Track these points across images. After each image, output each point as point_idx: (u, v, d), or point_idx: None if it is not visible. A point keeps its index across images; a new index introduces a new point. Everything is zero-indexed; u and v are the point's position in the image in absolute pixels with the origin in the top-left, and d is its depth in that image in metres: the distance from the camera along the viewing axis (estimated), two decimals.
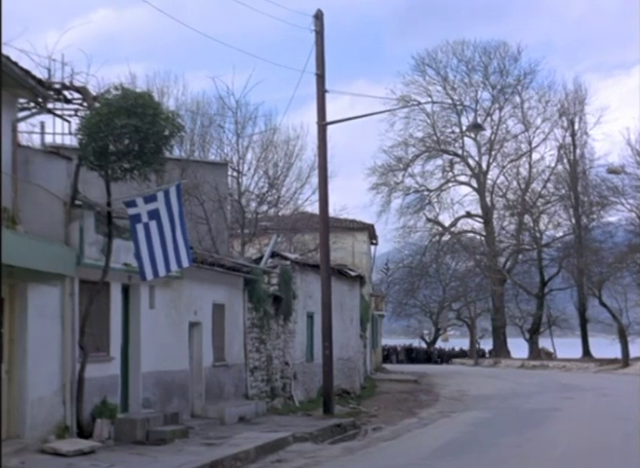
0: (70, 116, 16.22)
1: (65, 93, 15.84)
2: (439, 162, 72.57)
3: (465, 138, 71.92)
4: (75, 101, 16.00)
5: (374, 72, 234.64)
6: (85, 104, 15.79)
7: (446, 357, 74.88)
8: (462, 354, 75.81)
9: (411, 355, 73.43)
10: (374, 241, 51.70)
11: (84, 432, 15.15)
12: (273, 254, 26.71)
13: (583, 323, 67.28)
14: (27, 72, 14.40)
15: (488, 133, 70.09)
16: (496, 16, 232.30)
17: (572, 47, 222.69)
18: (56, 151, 16.46)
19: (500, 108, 71.67)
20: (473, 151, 72.68)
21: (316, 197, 30.48)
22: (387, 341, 77.78)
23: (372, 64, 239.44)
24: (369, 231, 49.97)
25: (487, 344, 73.50)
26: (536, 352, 67.24)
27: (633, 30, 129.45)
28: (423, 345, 79.39)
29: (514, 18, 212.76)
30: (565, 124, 68.93)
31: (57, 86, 15.63)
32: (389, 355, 72.09)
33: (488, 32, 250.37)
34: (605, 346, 61.52)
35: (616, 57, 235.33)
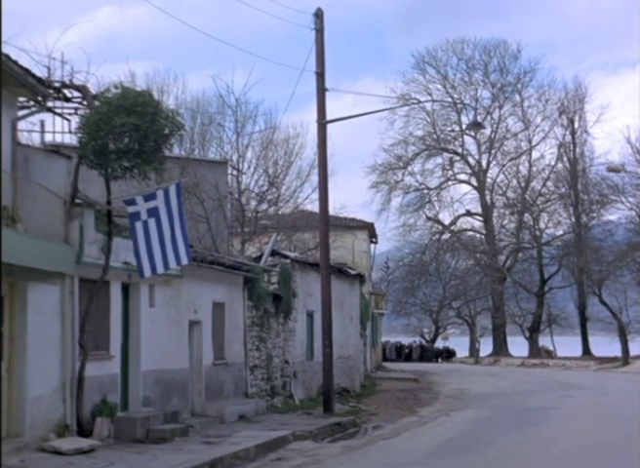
0: (70, 115, 16.24)
1: (65, 91, 15.85)
2: (439, 160, 72.72)
3: (465, 137, 72.02)
4: (75, 100, 16.02)
5: (380, 70, 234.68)
6: (85, 103, 15.80)
7: (444, 355, 74.56)
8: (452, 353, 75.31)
9: (423, 353, 73.18)
10: (374, 239, 51.72)
11: (84, 430, 15.15)
12: (273, 253, 26.72)
13: (583, 321, 67.32)
14: (27, 71, 14.40)
15: (488, 131, 70.17)
16: (498, 14, 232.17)
17: (575, 45, 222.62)
18: (55, 150, 16.46)
19: (500, 107, 71.73)
20: (473, 150, 72.80)
21: (316, 195, 30.49)
22: (395, 339, 77.54)
23: (378, 62, 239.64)
24: (369, 230, 49.97)
25: (487, 343, 73.50)
26: (536, 350, 67.25)
27: (636, 28, 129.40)
28: (435, 344, 78.95)
29: (517, 16, 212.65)
30: (565, 122, 69.04)
31: (56, 84, 15.64)
32: (400, 352, 71.79)
33: (491, 30, 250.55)
34: (605, 344, 61.59)
35: (621, 54, 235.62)
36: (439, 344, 79.44)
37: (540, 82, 74.71)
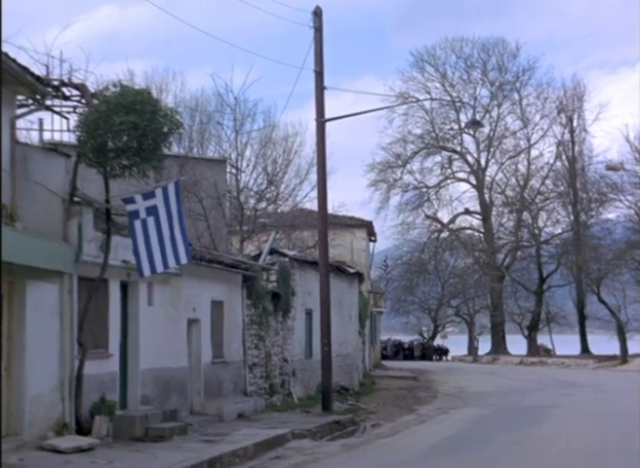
0: (69, 113, 16.22)
1: (64, 89, 15.84)
2: (438, 159, 72.65)
3: (464, 135, 71.93)
4: (74, 98, 16.01)
5: (379, 69, 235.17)
6: (83, 101, 15.79)
7: (438, 353, 74.38)
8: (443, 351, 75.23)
9: (424, 351, 73.08)
10: (372, 238, 51.70)
11: (83, 429, 15.15)
12: (272, 251, 26.71)
13: (582, 319, 67.37)
14: (26, 69, 14.39)
15: (486, 129, 70.07)
16: (498, 12, 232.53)
17: (574, 43, 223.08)
18: (54, 148, 16.45)
19: (499, 105, 71.70)
20: (472, 148, 72.75)
21: (315, 194, 30.54)
22: (396, 337, 77.59)
23: (377, 61, 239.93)
24: (367, 228, 49.96)
25: (486, 341, 73.49)
26: (534, 349, 67.28)
27: (636, 27, 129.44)
28: (435, 343, 78.81)
29: (516, 14, 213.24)
30: (564, 121, 69.05)
31: (55, 83, 15.64)
32: (398, 351, 71.70)
33: (490, 29, 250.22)
34: (603, 343, 61.63)
35: (620, 53, 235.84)
36: (434, 343, 79.37)
37: (539, 80, 74.73)
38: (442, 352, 74.18)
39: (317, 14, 24.09)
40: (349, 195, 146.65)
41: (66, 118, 16.32)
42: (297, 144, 40.40)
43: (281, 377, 25.68)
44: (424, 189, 71.69)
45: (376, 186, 69.46)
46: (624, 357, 52.81)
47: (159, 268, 15.39)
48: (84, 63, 16.32)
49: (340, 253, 40.99)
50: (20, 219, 14.35)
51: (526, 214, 69.29)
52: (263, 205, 38.70)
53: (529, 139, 70.79)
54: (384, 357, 65.08)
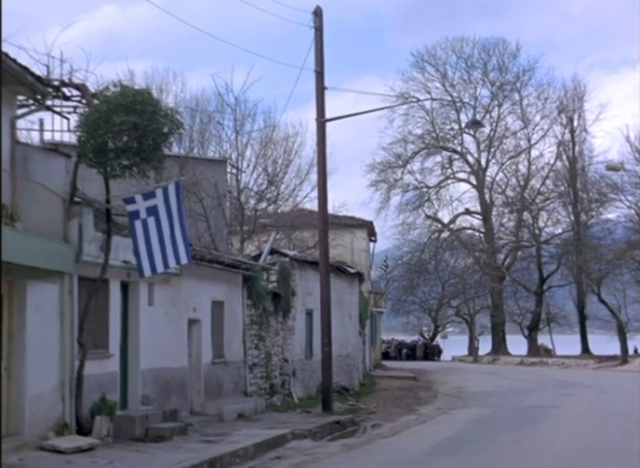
0: (69, 113, 16.22)
1: (64, 90, 15.84)
2: (438, 159, 72.64)
3: (464, 135, 71.92)
4: (74, 98, 16.01)
5: (380, 69, 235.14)
6: (84, 101, 15.79)
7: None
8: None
9: (427, 351, 73.02)
10: (373, 238, 51.68)
11: (83, 429, 15.15)
12: (272, 251, 26.71)
13: (582, 320, 67.38)
14: (26, 69, 14.39)
15: (487, 129, 70.07)
16: (498, 12, 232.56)
17: (575, 43, 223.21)
18: (54, 148, 16.46)
19: (499, 105, 71.70)
20: (472, 148, 72.74)
21: (315, 194, 30.54)
22: (400, 338, 77.52)
23: (378, 61, 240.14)
24: (368, 228, 49.95)
25: (486, 341, 73.48)
26: (535, 349, 67.29)
27: (637, 26, 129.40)
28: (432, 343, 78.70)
29: (516, 14, 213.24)
30: (564, 121, 69.06)
31: (55, 83, 15.63)
32: (400, 351, 71.66)
33: (490, 29, 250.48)
34: (604, 343, 61.64)
35: (621, 53, 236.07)
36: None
37: (540, 80, 74.67)
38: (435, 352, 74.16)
39: (317, 14, 24.09)
40: (349, 195, 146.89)
41: (67, 118, 16.32)
42: (297, 145, 40.40)
43: (281, 377, 25.68)
44: (425, 189, 71.69)
45: (376, 186, 69.55)
46: (625, 357, 52.85)
47: (159, 268, 15.39)
48: (84, 63, 16.32)
49: (341, 254, 40.99)
50: (21, 219, 14.35)
51: (526, 215, 69.31)
52: (264, 205, 38.69)
53: (529, 140, 70.84)
54: (388, 357, 65.06)
